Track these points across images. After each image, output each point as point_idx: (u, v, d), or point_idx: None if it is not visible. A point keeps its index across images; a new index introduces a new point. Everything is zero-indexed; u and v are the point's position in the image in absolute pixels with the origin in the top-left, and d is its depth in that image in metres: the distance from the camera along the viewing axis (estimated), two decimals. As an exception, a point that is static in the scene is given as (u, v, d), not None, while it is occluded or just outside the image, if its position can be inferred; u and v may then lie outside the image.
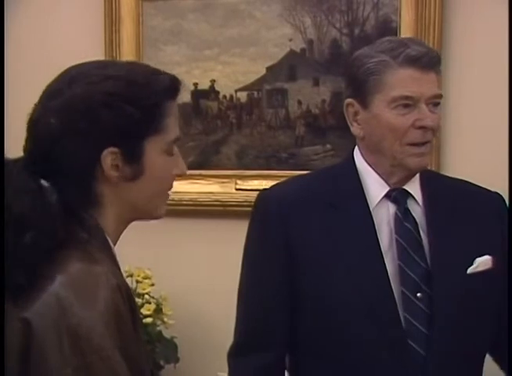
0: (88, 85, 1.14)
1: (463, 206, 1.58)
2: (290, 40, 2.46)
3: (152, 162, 1.17)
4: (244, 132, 2.54)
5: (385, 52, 1.48)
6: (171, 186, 1.23)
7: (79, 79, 1.15)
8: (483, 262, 1.55)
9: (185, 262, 2.55)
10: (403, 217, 1.54)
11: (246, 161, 2.54)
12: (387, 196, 1.55)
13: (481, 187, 1.65)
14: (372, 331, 1.49)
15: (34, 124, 1.16)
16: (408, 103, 1.48)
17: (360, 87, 1.50)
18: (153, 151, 1.17)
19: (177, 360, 2.44)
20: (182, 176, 1.24)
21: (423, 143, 1.50)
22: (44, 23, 2.63)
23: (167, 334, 2.44)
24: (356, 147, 1.59)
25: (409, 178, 1.55)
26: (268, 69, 2.49)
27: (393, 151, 1.50)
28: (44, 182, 1.14)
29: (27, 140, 1.18)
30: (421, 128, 1.48)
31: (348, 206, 1.53)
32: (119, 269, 1.18)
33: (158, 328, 2.42)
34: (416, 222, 1.54)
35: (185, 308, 2.51)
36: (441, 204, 1.56)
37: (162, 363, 2.42)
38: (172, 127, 1.19)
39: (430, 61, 1.48)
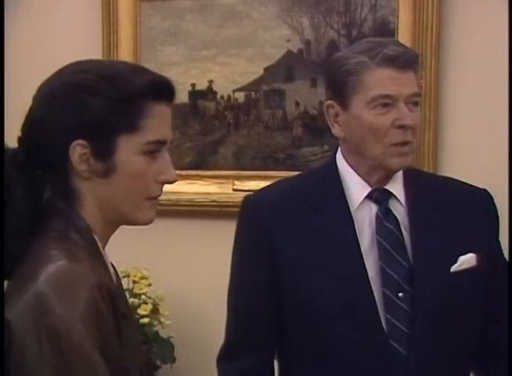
0: (62, 77, 1.17)
1: (448, 204, 1.58)
2: (288, 41, 2.46)
3: (125, 161, 1.16)
4: (242, 133, 2.54)
5: (363, 52, 1.49)
6: (153, 191, 1.19)
7: (62, 71, 1.18)
8: (467, 260, 1.55)
9: (182, 263, 2.55)
10: (384, 217, 1.54)
11: (243, 162, 2.54)
12: (369, 196, 1.55)
13: (467, 184, 1.65)
14: (353, 333, 1.49)
15: (25, 120, 1.19)
16: (387, 103, 1.48)
17: (339, 88, 1.52)
18: (127, 150, 1.16)
19: (173, 360, 2.44)
20: (170, 183, 1.20)
21: (405, 143, 1.51)
22: (42, 24, 2.63)
23: (163, 334, 2.44)
24: (339, 149, 1.60)
25: (388, 177, 1.56)
26: (266, 70, 2.49)
27: (374, 152, 1.51)
28: (38, 172, 1.17)
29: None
30: (401, 127, 1.49)
31: (330, 208, 1.54)
32: (106, 268, 1.19)
33: (155, 328, 2.42)
34: (398, 222, 1.54)
35: (182, 308, 2.51)
36: (425, 202, 1.57)
37: (159, 363, 2.42)
38: (153, 128, 1.17)
39: (407, 60, 1.49)
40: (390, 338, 1.49)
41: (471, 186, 1.65)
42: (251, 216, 1.59)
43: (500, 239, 1.67)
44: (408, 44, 2.27)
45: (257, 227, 1.57)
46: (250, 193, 1.68)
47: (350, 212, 1.54)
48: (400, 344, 1.49)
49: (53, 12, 2.63)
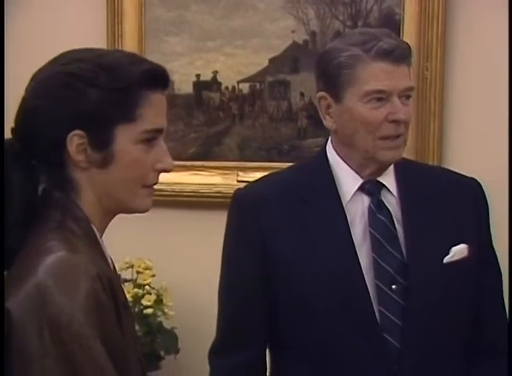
0: (57, 66, 1.16)
1: (439, 194, 1.58)
2: (293, 32, 2.45)
3: (123, 150, 1.16)
4: (246, 124, 2.53)
5: (357, 45, 1.48)
6: (150, 179, 1.20)
7: (55, 61, 1.17)
8: (459, 251, 1.55)
9: (186, 253, 2.55)
10: (377, 209, 1.54)
11: (248, 153, 2.54)
12: (361, 188, 1.55)
13: (457, 174, 1.65)
14: (346, 325, 1.49)
15: (19, 105, 1.18)
16: (381, 97, 1.48)
17: (332, 81, 1.51)
18: (125, 139, 1.16)
19: (177, 351, 2.44)
20: (167, 172, 1.21)
21: (397, 136, 1.50)
22: (47, 15, 2.62)
23: (167, 324, 2.45)
24: (329, 141, 1.60)
25: (381, 170, 1.55)
26: (271, 61, 2.49)
27: (366, 145, 1.51)
28: (27, 172, 1.16)
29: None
30: (394, 121, 1.49)
31: (321, 201, 1.54)
32: (105, 258, 1.19)
33: (159, 319, 2.42)
34: (390, 214, 1.54)
35: (186, 299, 2.51)
36: (417, 193, 1.57)
37: (162, 353, 2.43)
38: (150, 117, 1.17)
39: (401, 54, 1.48)
40: (383, 330, 1.50)
41: (461, 175, 1.65)
42: (242, 210, 1.58)
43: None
44: (413, 36, 2.28)
45: (248, 221, 1.56)
46: (241, 188, 1.67)
47: (342, 205, 1.53)
48: (393, 336, 1.50)
49: (58, 3, 2.62)
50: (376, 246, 1.52)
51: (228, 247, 1.61)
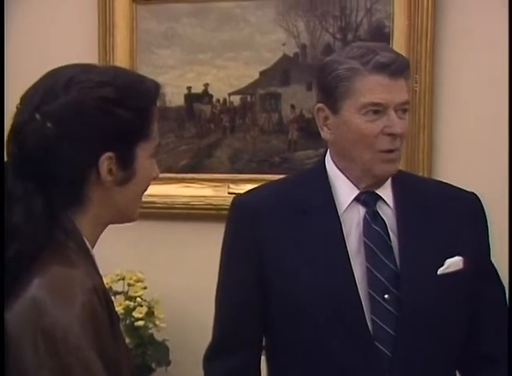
0: (83, 91, 1.15)
1: (436, 207, 1.59)
2: (284, 44, 2.47)
3: (142, 167, 1.20)
4: (237, 136, 2.54)
5: (355, 58, 1.50)
6: (147, 189, 1.25)
7: (73, 84, 1.15)
8: (454, 263, 1.55)
9: (178, 265, 2.55)
10: (372, 219, 1.55)
11: (239, 165, 2.55)
12: (357, 199, 1.56)
13: (456, 188, 1.66)
14: (339, 334, 1.50)
15: (23, 127, 1.15)
16: (377, 110, 1.49)
17: (330, 93, 1.52)
18: (143, 156, 1.20)
19: (168, 363, 2.44)
20: (155, 179, 1.26)
21: (392, 150, 1.52)
22: (38, 27, 2.63)
23: (158, 337, 2.45)
24: (328, 152, 1.61)
25: (378, 183, 1.56)
26: (262, 73, 2.50)
27: (362, 157, 1.52)
28: (29, 185, 1.14)
29: (11, 143, 1.17)
30: (390, 134, 1.50)
31: (317, 211, 1.55)
32: (98, 271, 1.19)
33: (150, 331, 2.42)
34: (385, 225, 1.55)
35: (177, 311, 2.51)
36: (413, 206, 1.57)
37: (153, 365, 2.43)
38: (156, 132, 1.22)
39: (399, 68, 1.50)
40: (375, 339, 1.50)
41: (460, 189, 1.65)
42: (239, 218, 1.60)
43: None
44: (403, 48, 2.29)
45: (244, 229, 1.58)
46: (239, 195, 1.68)
47: (338, 214, 1.54)
48: (385, 345, 1.50)
49: (49, 16, 2.63)
50: (370, 256, 1.52)
51: (225, 254, 1.62)
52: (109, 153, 1.15)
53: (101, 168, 1.15)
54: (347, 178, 1.56)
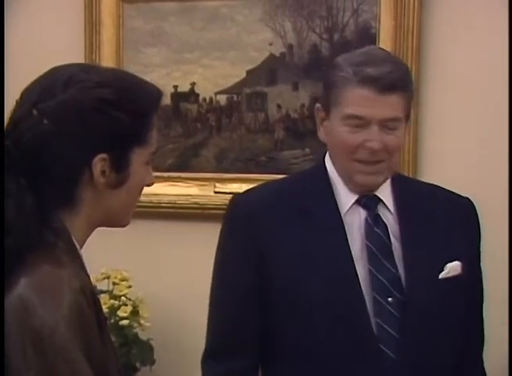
0: (81, 90, 1.15)
1: (434, 211, 1.59)
2: (271, 44, 2.47)
3: (136, 172, 1.19)
4: (224, 135, 2.54)
5: (352, 65, 1.48)
6: (140, 196, 1.24)
7: (71, 83, 1.15)
8: (453, 268, 1.56)
9: (163, 265, 2.55)
10: (374, 223, 1.54)
11: (225, 164, 2.54)
12: (358, 202, 1.55)
13: (451, 192, 1.66)
14: (343, 336, 1.49)
15: (20, 122, 1.15)
16: (359, 123, 1.47)
17: (324, 95, 1.53)
18: (138, 161, 1.19)
19: (153, 362, 2.44)
20: (149, 186, 1.25)
21: (375, 162, 1.49)
22: (24, 25, 2.62)
23: (143, 336, 2.44)
24: (328, 153, 1.60)
25: (368, 190, 1.55)
26: (248, 73, 2.50)
27: (344, 165, 1.52)
28: (22, 181, 1.13)
29: (7, 137, 1.16)
30: (368, 149, 1.48)
31: (320, 211, 1.54)
32: (86, 271, 1.19)
33: (134, 330, 2.42)
34: (386, 228, 1.55)
35: (162, 310, 2.51)
36: (412, 209, 1.57)
37: (138, 365, 2.42)
38: (154, 139, 1.22)
39: (389, 83, 1.45)
40: (379, 341, 1.50)
41: (455, 193, 1.66)
42: (239, 218, 1.57)
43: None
44: (389, 49, 2.29)
45: (244, 229, 1.55)
46: (237, 193, 1.66)
47: (340, 215, 1.53)
48: (389, 348, 1.50)
49: (36, 14, 2.62)
50: (372, 259, 1.52)
51: (223, 253, 1.59)
52: (103, 155, 1.15)
53: (94, 169, 1.15)
54: (343, 180, 1.55)
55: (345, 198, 1.55)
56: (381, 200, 1.57)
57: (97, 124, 1.14)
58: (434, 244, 1.56)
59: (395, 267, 1.53)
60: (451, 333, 1.57)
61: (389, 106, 1.47)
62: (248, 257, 1.54)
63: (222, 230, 1.60)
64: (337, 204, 1.54)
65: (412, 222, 1.56)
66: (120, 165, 1.17)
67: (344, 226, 1.53)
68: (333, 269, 1.51)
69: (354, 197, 1.55)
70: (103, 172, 1.16)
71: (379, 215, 1.55)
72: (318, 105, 1.55)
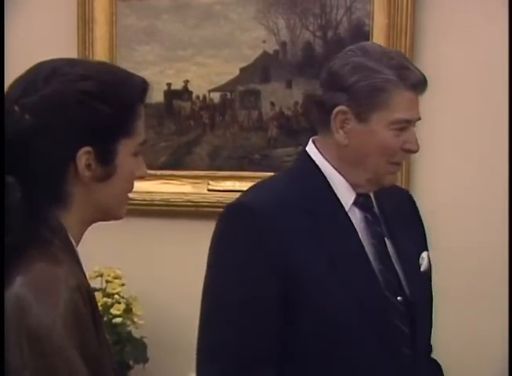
0: (63, 84, 1.14)
1: (397, 207, 1.61)
2: (264, 42, 2.47)
3: (124, 164, 1.18)
4: (217, 133, 2.54)
5: (391, 68, 1.46)
6: (132, 188, 1.23)
7: (54, 77, 1.15)
8: (425, 260, 1.59)
9: (156, 262, 2.54)
10: (375, 221, 1.54)
11: (218, 162, 2.54)
12: (355, 201, 1.54)
13: (396, 186, 1.67)
14: (369, 338, 1.47)
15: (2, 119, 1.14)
16: (405, 126, 1.48)
17: (361, 100, 1.46)
18: (125, 153, 1.18)
19: (146, 360, 2.44)
20: (142, 178, 1.24)
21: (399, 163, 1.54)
22: (17, 22, 2.61)
23: (136, 334, 2.44)
24: (312, 149, 1.55)
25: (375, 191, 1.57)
26: (242, 70, 2.50)
27: (377, 167, 1.50)
28: (10, 179, 1.12)
29: None
30: (408, 150, 1.50)
31: (326, 211, 1.50)
32: (82, 269, 1.18)
33: (128, 328, 2.41)
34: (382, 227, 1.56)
35: (155, 308, 2.51)
36: (385, 207, 1.58)
37: (131, 363, 2.42)
38: (142, 130, 1.20)
39: (426, 86, 1.51)
40: (399, 341, 1.50)
41: (398, 187, 1.69)
42: (255, 223, 1.47)
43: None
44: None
45: (263, 240, 1.45)
46: (236, 199, 1.55)
47: (347, 215, 1.51)
48: (406, 346, 1.51)
49: (29, 11, 2.61)
50: (381, 258, 1.51)
51: (235, 265, 1.47)
52: (87, 148, 1.14)
53: (79, 163, 1.14)
54: (347, 180, 1.52)
55: (346, 197, 1.53)
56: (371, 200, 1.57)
57: (80, 116, 1.13)
58: (408, 238, 1.57)
59: (393, 265, 1.54)
60: (430, 325, 1.62)
61: (418, 106, 1.52)
62: (271, 267, 1.45)
63: (230, 240, 1.49)
64: (341, 203, 1.52)
65: (389, 219, 1.57)
66: (105, 158, 1.16)
67: (354, 226, 1.51)
68: (355, 272, 1.48)
69: (353, 196, 1.53)
70: (89, 166, 1.15)
71: (376, 214, 1.56)
72: (343, 107, 1.47)
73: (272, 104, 2.48)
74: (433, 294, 1.64)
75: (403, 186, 2.32)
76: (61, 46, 2.50)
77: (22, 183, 1.13)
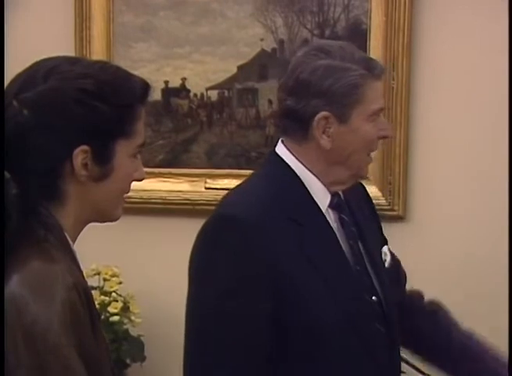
0: (62, 81, 1.14)
1: (359, 204, 1.61)
2: (262, 40, 2.47)
3: (121, 165, 1.18)
4: (214, 131, 2.54)
5: (357, 63, 1.46)
6: (129, 189, 1.23)
7: (53, 74, 1.14)
8: (386, 254, 1.60)
9: (153, 261, 2.54)
10: (351, 222, 1.54)
11: (216, 160, 2.54)
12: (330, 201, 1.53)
13: None
14: (355, 342, 1.48)
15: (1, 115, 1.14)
16: (377, 116, 1.49)
17: (339, 101, 1.45)
18: (123, 154, 1.18)
19: (143, 359, 2.44)
20: (140, 181, 1.24)
21: None
22: (14, 19, 2.60)
23: (133, 332, 2.44)
24: (283, 150, 1.53)
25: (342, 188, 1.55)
26: (239, 68, 2.50)
27: (360, 162, 1.50)
28: (6, 174, 1.12)
29: None
30: (384, 137, 1.52)
31: (307, 216, 1.48)
32: (78, 266, 1.18)
33: (125, 326, 2.41)
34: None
35: (153, 306, 2.51)
36: (352, 206, 1.58)
37: (128, 361, 2.42)
38: (141, 131, 1.20)
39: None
40: (377, 341, 1.50)
41: None
42: (241, 241, 1.43)
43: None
44: (380, 45, 2.33)
45: (254, 247, 1.42)
46: (219, 208, 1.52)
47: (326, 218, 1.50)
48: (382, 346, 1.51)
49: (25, 8, 2.60)
50: (358, 259, 1.52)
51: (227, 278, 1.43)
52: (84, 147, 1.14)
53: (75, 161, 1.14)
54: (321, 182, 1.50)
55: (322, 199, 1.51)
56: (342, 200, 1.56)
57: (78, 115, 1.13)
58: (371, 234, 1.58)
59: (366, 265, 1.54)
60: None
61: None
62: (264, 280, 1.43)
63: (221, 253, 1.45)
64: (319, 208, 1.50)
65: (357, 218, 1.56)
66: (102, 158, 1.16)
67: (333, 229, 1.50)
68: (339, 277, 1.48)
69: (328, 197, 1.52)
70: (85, 165, 1.14)
71: (348, 214, 1.55)
72: (325, 113, 1.44)
73: (270, 102, 2.48)
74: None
75: (400, 190, 2.34)
76: (58, 44, 2.49)
77: (17, 180, 1.12)
